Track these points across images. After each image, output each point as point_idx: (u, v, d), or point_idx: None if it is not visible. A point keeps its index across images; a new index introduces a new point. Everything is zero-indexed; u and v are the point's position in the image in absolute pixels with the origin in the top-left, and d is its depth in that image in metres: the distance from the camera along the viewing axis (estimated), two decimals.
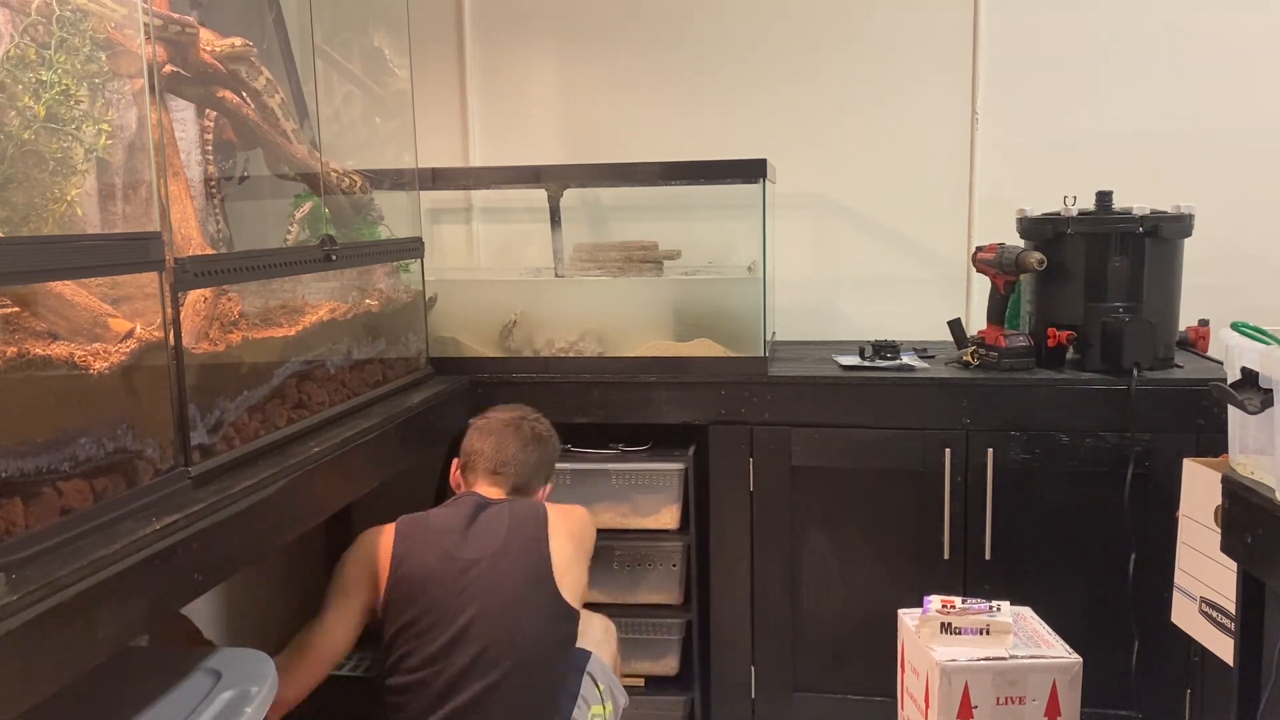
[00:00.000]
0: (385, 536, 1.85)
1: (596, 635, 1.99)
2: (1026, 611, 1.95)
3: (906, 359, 2.38)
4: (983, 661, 1.77)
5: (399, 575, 1.79)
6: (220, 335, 1.53)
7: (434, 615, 1.75)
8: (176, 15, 1.56)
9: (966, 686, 1.76)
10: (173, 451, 1.35)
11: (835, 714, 2.34)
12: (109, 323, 1.27)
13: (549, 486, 2.06)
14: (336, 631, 1.81)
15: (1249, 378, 1.45)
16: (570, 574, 1.85)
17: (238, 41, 1.71)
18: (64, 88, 1.20)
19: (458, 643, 1.74)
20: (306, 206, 1.93)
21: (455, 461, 2.03)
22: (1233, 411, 1.55)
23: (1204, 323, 2.43)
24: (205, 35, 1.66)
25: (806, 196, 2.82)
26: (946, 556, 2.23)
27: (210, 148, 1.78)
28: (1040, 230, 2.28)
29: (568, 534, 1.89)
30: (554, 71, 2.90)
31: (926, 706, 1.81)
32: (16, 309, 1.22)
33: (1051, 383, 2.18)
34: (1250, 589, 1.57)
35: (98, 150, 1.26)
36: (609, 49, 2.88)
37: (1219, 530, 1.61)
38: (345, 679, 2.69)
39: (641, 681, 2.38)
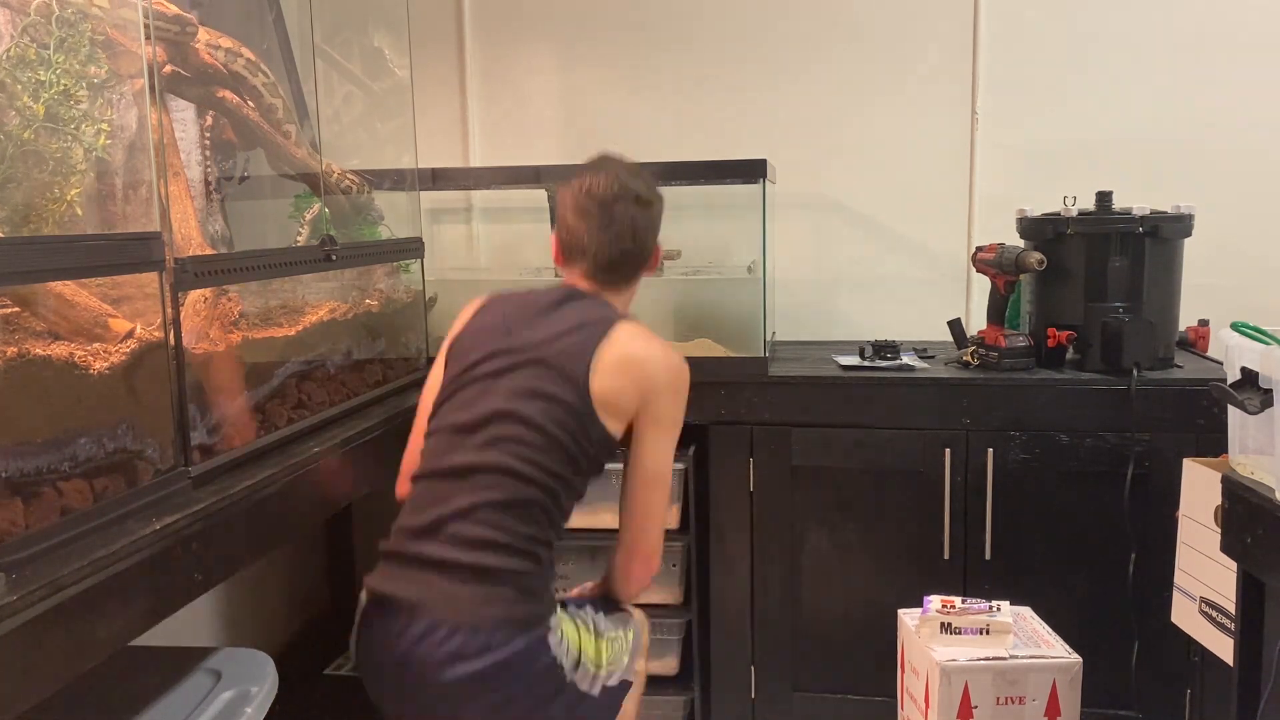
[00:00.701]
0: (475, 303, 1.70)
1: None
2: (1026, 611, 1.95)
3: (906, 359, 2.38)
4: (983, 661, 1.77)
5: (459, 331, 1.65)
6: (220, 335, 1.53)
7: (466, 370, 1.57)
8: (173, 12, 1.56)
9: (966, 686, 1.77)
10: (173, 451, 1.35)
11: (835, 714, 2.35)
12: (109, 323, 1.27)
13: (657, 255, 1.74)
14: (430, 382, 1.68)
15: (1249, 378, 1.45)
16: (611, 407, 1.54)
17: (229, 42, 1.71)
18: (63, 87, 1.20)
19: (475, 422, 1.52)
20: (315, 208, 1.93)
21: (553, 237, 1.72)
22: (1233, 411, 1.55)
23: (1204, 323, 2.42)
24: (204, 35, 1.66)
25: (806, 196, 2.82)
26: (946, 556, 2.23)
27: (210, 148, 1.78)
28: (1040, 230, 2.28)
29: (624, 370, 1.55)
30: (554, 71, 2.91)
31: (926, 706, 1.81)
32: (17, 309, 1.22)
33: (1051, 383, 2.18)
34: (1250, 589, 1.57)
35: (97, 150, 1.26)
36: (609, 49, 2.88)
37: (1219, 530, 1.61)
38: (345, 679, 2.69)
39: None
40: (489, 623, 1.42)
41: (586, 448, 1.55)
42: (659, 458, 1.61)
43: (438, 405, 1.62)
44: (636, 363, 1.57)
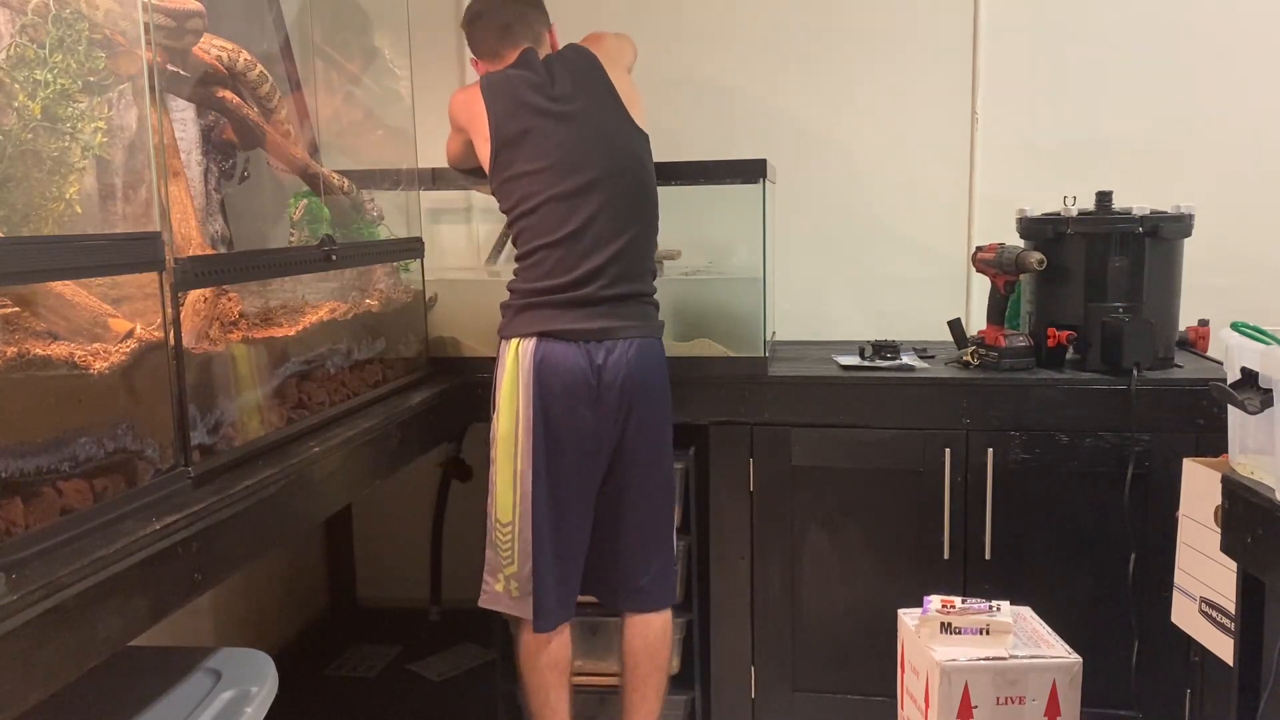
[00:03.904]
0: (473, 93, 2.03)
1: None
2: (1026, 611, 1.95)
3: (906, 359, 2.38)
4: (983, 661, 1.77)
5: (503, 137, 1.98)
6: (220, 335, 1.53)
7: (553, 160, 1.96)
8: (179, 6, 1.55)
9: (966, 686, 1.77)
10: (173, 451, 1.35)
11: (835, 714, 2.35)
12: (109, 323, 1.27)
13: (554, 25, 2.18)
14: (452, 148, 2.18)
15: (1249, 378, 1.45)
16: (633, 104, 2.05)
17: (228, 44, 1.71)
18: (60, 87, 1.20)
19: (584, 191, 1.95)
20: (301, 205, 1.93)
21: (473, 61, 2.18)
22: (1233, 411, 1.54)
23: (1204, 323, 2.42)
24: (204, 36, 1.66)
25: (806, 196, 2.82)
26: (946, 556, 2.23)
27: (210, 148, 1.78)
28: (1040, 230, 2.28)
29: (613, 66, 2.07)
30: None
31: (926, 706, 1.81)
32: (16, 309, 1.22)
33: (1051, 383, 2.18)
34: (1250, 589, 1.56)
35: (94, 149, 1.26)
36: None
37: (1219, 530, 1.61)
38: (345, 679, 2.69)
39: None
40: None
41: None
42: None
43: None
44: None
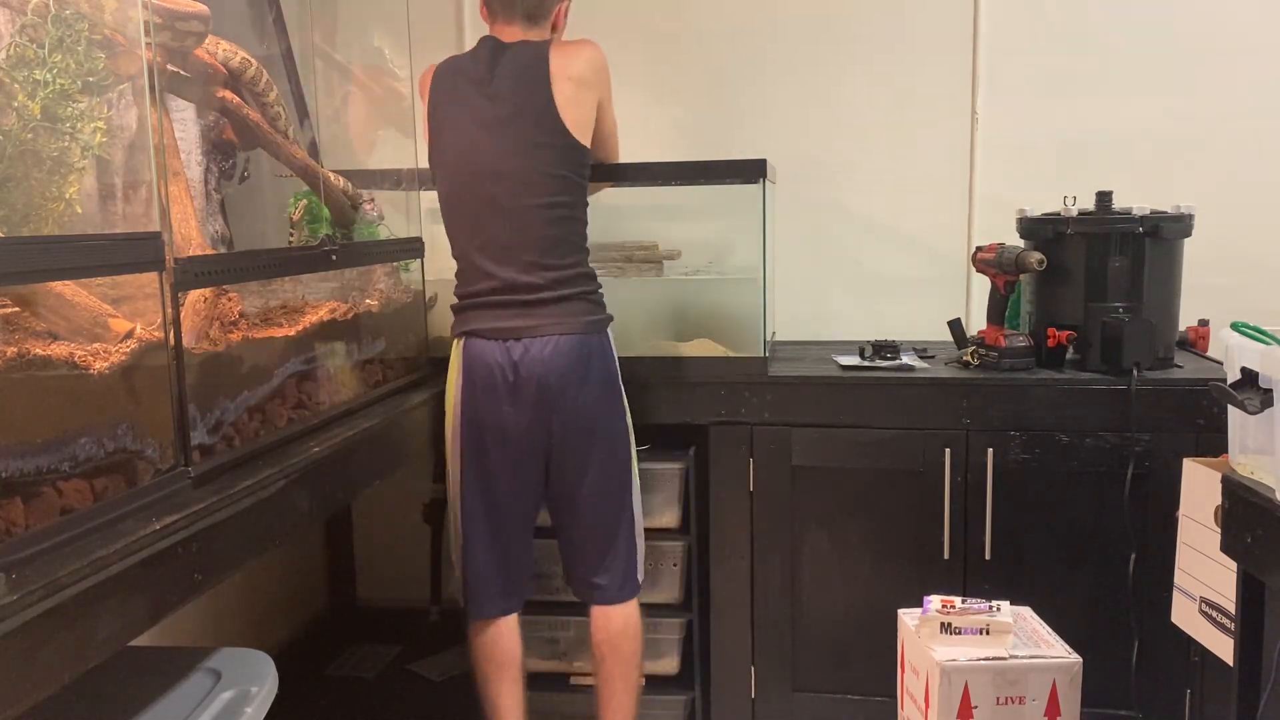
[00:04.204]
0: (426, 78, 2.07)
1: None
2: (1026, 611, 1.95)
3: (906, 359, 2.38)
4: (983, 661, 1.77)
5: (437, 121, 2.04)
6: (220, 335, 1.53)
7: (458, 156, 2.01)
8: (184, 9, 1.55)
9: (966, 686, 1.77)
10: (173, 451, 1.35)
11: (835, 714, 2.35)
12: (109, 323, 1.27)
13: (564, 5, 2.12)
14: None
15: (1249, 378, 1.45)
16: (571, 109, 1.99)
17: (226, 44, 1.71)
18: (59, 87, 1.20)
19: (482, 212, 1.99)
20: (300, 206, 1.93)
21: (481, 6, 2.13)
22: (1233, 411, 1.54)
23: (1204, 323, 2.42)
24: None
25: (806, 196, 2.82)
26: (946, 556, 2.23)
27: (210, 148, 1.78)
28: (1040, 230, 2.28)
29: (568, 76, 2.00)
30: None
31: (926, 706, 1.81)
32: (16, 309, 1.22)
33: (1051, 383, 2.18)
34: (1250, 589, 1.57)
35: (94, 149, 1.26)
36: (607, 49, 2.86)
37: (1219, 530, 1.61)
38: (345, 679, 2.69)
39: (641, 681, 2.38)
40: None
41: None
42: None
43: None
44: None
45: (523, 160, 1.97)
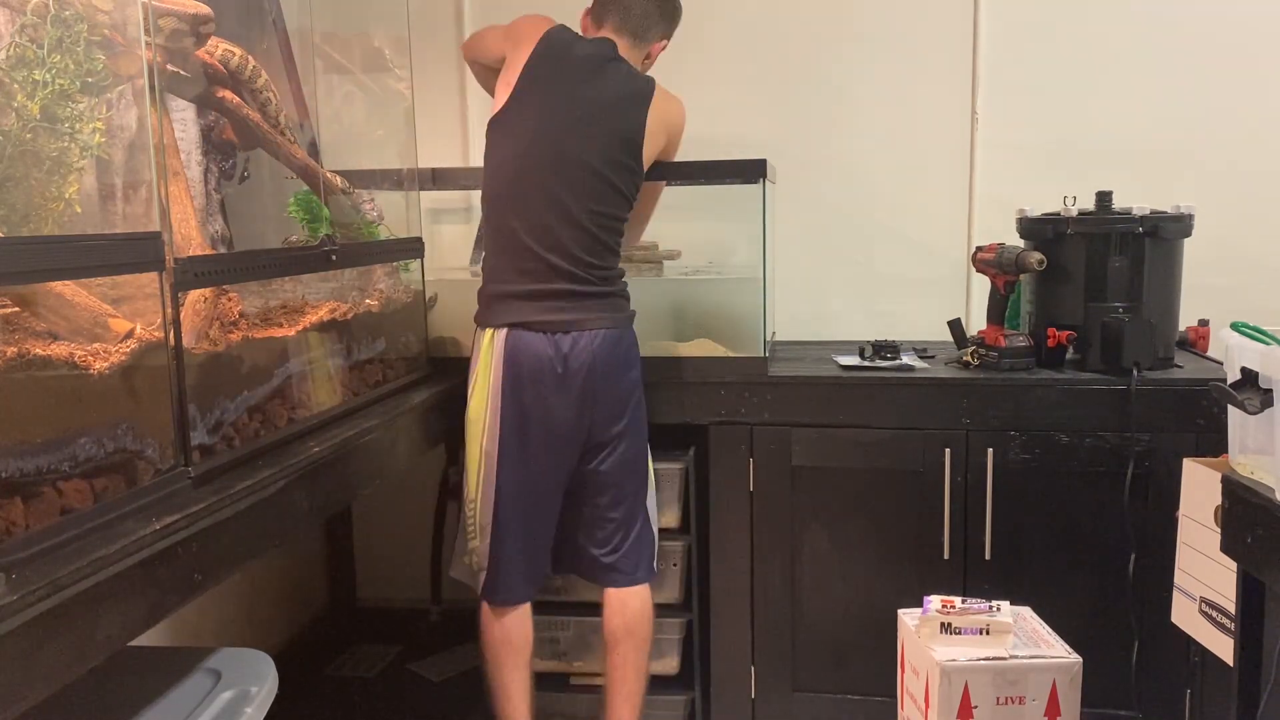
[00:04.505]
0: (535, 28, 2.09)
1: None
2: (1026, 611, 1.95)
3: (906, 359, 2.38)
4: (983, 661, 1.77)
5: (528, 84, 2.05)
6: (220, 335, 1.53)
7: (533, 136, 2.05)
8: (188, 10, 1.55)
9: (966, 686, 1.77)
10: (173, 451, 1.35)
11: (835, 714, 2.35)
12: (109, 323, 1.27)
13: (663, 44, 2.21)
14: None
15: (1249, 378, 1.45)
16: (649, 145, 2.11)
17: (226, 44, 1.71)
18: (58, 87, 1.20)
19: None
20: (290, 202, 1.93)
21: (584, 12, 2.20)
22: (1233, 411, 1.54)
23: (1204, 323, 2.42)
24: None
25: (806, 196, 2.82)
26: (946, 556, 2.23)
27: (210, 148, 1.78)
28: (1040, 230, 2.28)
29: (661, 118, 2.12)
30: None
31: (926, 706, 1.81)
32: (16, 309, 1.22)
33: (1051, 383, 2.18)
34: (1250, 589, 1.56)
35: (94, 149, 1.26)
36: None
37: (1219, 530, 1.61)
38: (345, 679, 2.69)
39: (649, 671, 2.37)
40: None
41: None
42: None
43: None
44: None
45: (603, 169, 2.04)
